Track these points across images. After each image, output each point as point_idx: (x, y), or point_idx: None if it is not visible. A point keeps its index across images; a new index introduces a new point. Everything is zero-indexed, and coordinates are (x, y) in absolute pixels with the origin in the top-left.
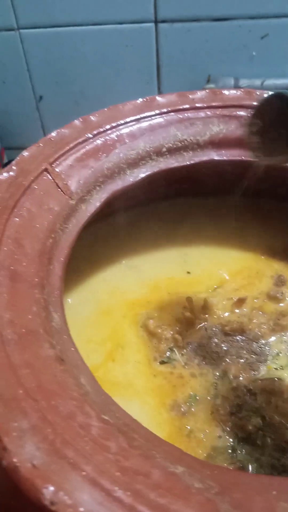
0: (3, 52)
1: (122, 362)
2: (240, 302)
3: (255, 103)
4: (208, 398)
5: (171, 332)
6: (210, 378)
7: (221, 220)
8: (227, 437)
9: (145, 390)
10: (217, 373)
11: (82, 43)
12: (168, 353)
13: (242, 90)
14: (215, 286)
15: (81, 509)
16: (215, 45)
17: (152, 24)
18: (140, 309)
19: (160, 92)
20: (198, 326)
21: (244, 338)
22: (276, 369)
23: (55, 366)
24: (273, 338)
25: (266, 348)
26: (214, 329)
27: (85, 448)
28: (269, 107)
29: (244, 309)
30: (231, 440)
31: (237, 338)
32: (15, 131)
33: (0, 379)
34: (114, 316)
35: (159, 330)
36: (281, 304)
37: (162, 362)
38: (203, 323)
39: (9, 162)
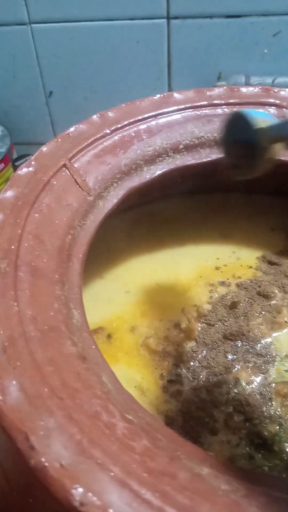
0: (14, 46)
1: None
2: (234, 305)
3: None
4: (220, 403)
5: (173, 347)
6: (222, 387)
7: (228, 216)
8: (244, 444)
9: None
10: (229, 381)
11: (92, 39)
12: (174, 370)
13: (260, 87)
14: (211, 289)
15: (111, 510)
16: (226, 42)
17: (165, 20)
18: (140, 320)
19: (170, 88)
20: (198, 336)
21: (246, 341)
22: (286, 371)
23: (78, 364)
24: (275, 334)
25: (271, 347)
26: (214, 337)
27: (111, 448)
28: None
29: (239, 312)
30: (247, 447)
31: (238, 343)
32: (25, 127)
33: (25, 376)
34: (116, 324)
35: (161, 348)
36: (273, 302)
37: (170, 381)
38: (202, 332)
39: (19, 157)
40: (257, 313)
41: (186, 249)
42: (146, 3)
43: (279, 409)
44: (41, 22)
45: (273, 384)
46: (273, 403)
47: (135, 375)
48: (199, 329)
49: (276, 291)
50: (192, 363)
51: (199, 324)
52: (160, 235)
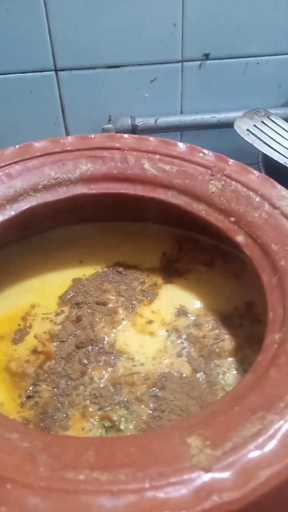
0: None
1: None
2: (79, 318)
3: (116, 144)
4: (77, 403)
5: (33, 369)
6: (79, 388)
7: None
8: (97, 428)
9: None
10: (85, 381)
11: None
12: (31, 388)
13: (106, 134)
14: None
15: None
16: (111, 89)
17: (53, 72)
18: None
19: (67, 131)
20: (55, 354)
21: (95, 344)
22: (133, 365)
23: None
24: (115, 330)
25: (116, 344)
26: (68, 349)
27: None
28: None
29: (85, 323)
30: (99, 430)
31: (89, 348)
32: None
33: None
34: None
35: (21, 369)
36: (109, 306)
37: (27, 397)
38: (58, 349)
39: None
40: (99, 319)
41: (55, 275)
42: (35, 58)
43: (126, 396)
44: None
45: (122, 376)
46: (122, 391)
47: None
48: (54, 348)
49: (111, 296)
50: (51, 377)
51: (54, 344)
52: (41, 262)
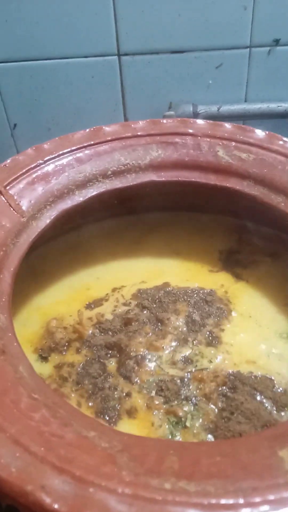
0: None
1: None
2: (129, 321)
3: (189, 130)
4: (144, 392)
5: (61, 337)
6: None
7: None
8: (165, 423)
9: None
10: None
11: (51, 75)
12: (44, 351)
13: (178, 119)
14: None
15: (1, 460)
16: (174, 74)
17: (116, 57)
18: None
19: (126, 118)
20: (85, 339)
21: (119, 353)
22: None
23: None
24: (146, 351)
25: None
26: (97, 343)
27: (12, 416)
28: None
29: (131, 328)
30: (166, 425)
31: (115, 352)
32: None
33: None
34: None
35: (54, 330)
36: (165, 328)
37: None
38: (92, 336)
39: None
40: (145, 333)
41: (126, 262)
42: (98, 42)
43: (194, 392)
44: (2, 61)
45: (191, 371)
46: (190, 387)
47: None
48: (90, 332)
49: (174, 319)
50: (69, 358)
51: (95, 329)
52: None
